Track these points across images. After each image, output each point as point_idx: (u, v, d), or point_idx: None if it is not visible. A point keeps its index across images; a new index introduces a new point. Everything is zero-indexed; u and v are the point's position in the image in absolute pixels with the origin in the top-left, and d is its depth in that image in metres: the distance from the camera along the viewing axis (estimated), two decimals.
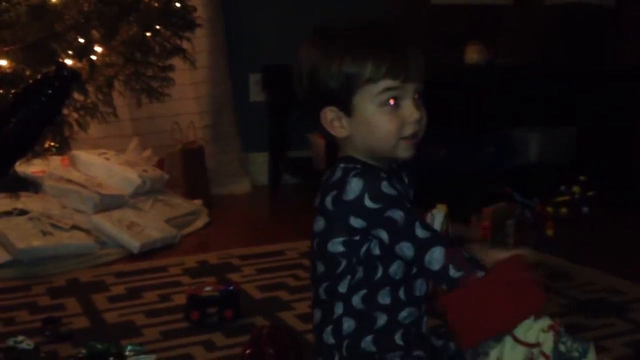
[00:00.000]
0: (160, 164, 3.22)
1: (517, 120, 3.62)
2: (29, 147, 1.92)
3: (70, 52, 2.16)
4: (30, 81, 1.83)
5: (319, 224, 1.34)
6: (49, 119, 1.86)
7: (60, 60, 2.12)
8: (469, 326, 1.23)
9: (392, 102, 1.30)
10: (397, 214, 1.27)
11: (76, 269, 2.43)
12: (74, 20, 2.15)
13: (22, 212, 2.57)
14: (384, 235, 1.28)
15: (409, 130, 1.33)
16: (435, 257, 1.25)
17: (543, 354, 1.21)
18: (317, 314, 1.38)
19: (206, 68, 3.40)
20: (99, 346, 1.69)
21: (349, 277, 1.33)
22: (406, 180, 1.45)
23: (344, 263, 1.32)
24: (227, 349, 1.81)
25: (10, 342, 1.75)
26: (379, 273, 1.32)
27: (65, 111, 2.19)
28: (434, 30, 3.62)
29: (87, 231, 2.60)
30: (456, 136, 3.29)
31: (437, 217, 2.19)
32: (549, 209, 2.61)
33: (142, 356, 1.69)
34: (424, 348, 1.38)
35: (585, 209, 2.60)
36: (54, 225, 2.55)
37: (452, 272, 1.24)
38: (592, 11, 3.77)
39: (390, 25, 1.36)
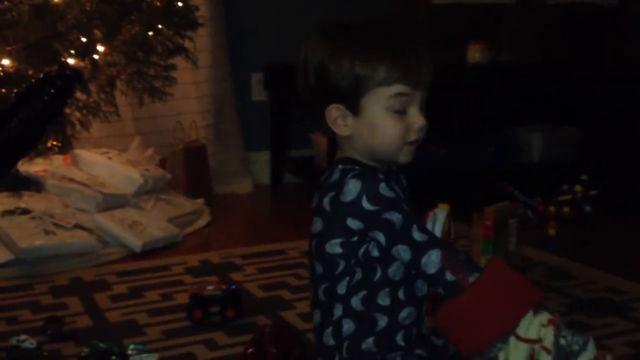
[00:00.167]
0: (162, 163, 3.22)
1: (518, 119, 3.62)
2: (32, 146, 1.93)
3: (72, 52, 2.17)
4: (33, 80, 1.83)
5: (317, 225, 1.34)
6: (52, 118, 1.86)
7: (63, 59, 2.12)
8: (472, 332, 1.23)
9: (400, 107, 1.30)
10: (395, 216, 1.27)
11: (78, 268, 2.43)
12: (76, 20, 2.15)
13: (25, 211, 2.58)
14: (380, 237, 1.28)
15: (412, 137, 1.33)
16: (432, 260, 1.25)
17: (544, 348, 1.21)
18: (317, 315, 1.38)
19: (208, 67, 3.40)
20: (101, 345, 1.70)
21: (347, 278, 1.32)
22: (404, 182, 1.45)
23: (342, 264, 1.32)
24: (229, 348, 1.81)
25: (13, 341, 1.75)
26: (378, 274, 1.32)
27: (67, 110, 2.20)
28: (435, 29, 3.62)
29: (89, 230, 2.61)
30: (458, 136, 3.29)
31: (439, 216, 2.19)
32: (551, 208, 2.61)
33: (144, 355, 1.69)
34: (425, 347, 1.38)
35: (587, 208, 2.60)
36: (56, 225, 2.55)
37: (449, 276, 1.24)
38: (594, 11, 3.77)
39: (403, 29, 1.35)
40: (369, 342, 1.33)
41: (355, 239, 1.30)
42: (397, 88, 1.29)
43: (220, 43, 3.47)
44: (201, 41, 3.11)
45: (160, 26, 2.40)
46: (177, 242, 2.75)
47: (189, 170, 3.23)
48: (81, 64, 2.19)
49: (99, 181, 2.82)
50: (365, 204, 1.27)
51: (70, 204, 2.71)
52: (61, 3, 2.15)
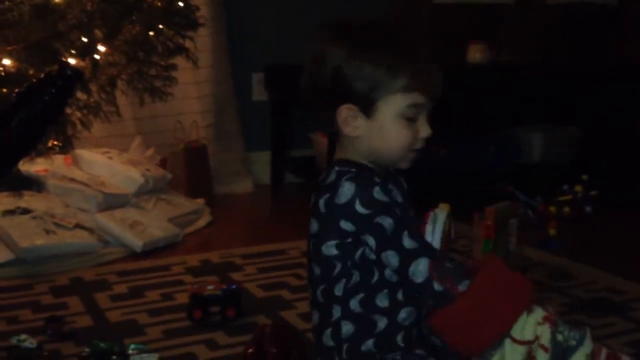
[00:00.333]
0: (163, 163, 3.22)
1: (519, 119, 3.62)
2: (32, 146, 1.93)
3: (73, 52, 2.17)
4: (34, 80, 1.84)
5: (313, 226, 1.35)
6: (52, 118, 1.86)
7: (64, 59, 2.12)
8: (468, 336, 1.23)
9: (412, 115, 1.30)
10: (386, 221, 1.26)
11: (79, 267, 2.43)
12: (77, 20, 2.15)
13: (25, 211, 2.58)
14: (371, 241, 1.28)
15: (418, 145, 1.33)
16: (420, 269, 1.24)
17: (542, 346, 1.22)
18: (316, 316, 1.38)
19: (209, 67, 3.40)
20: (101, 345, 1.70)
21: (344, 280, 1.32)
22: (405, 185, 1.45)
23: (338, 266, 1.32)
24: (229, 348, 1.82)
25: (14, 340, 1.75)
26: (376, 277, 1.31)
27: (68, 110, 2.20)
28: (435, 29, 3.62)
29: (90, 230, 2.61)
30: (458, 135, 3.29)
31: (440, 216, 2.18)
32: (552, 209, 2.61)
33: (144, 355, 1.69)
34: (425, 347, 1.38)
35: (588, 209, 2.60)
36: (57, 224, 2.55)
37: (436, 286, 1.23)
38: (594, 10, 3.76)
39: (419, 37, 1.35)
40: (368, 344, 1.33)
41: (349, 240, 1.30)
42: (415, 97, 1.29)
43: (221, 43, 3.47)
44: (202, 41, 3.12)
45: (161, 26, 2.40)
46: (177, 242, 2.75)
47: (189, 170, 3.24)
48: (82, 63, 2.19)
49: (100, 181, 2.82)
50: (358, 207, 1.27)
51: (71, 204, 2.72)
52: (62, 3, 2.15)
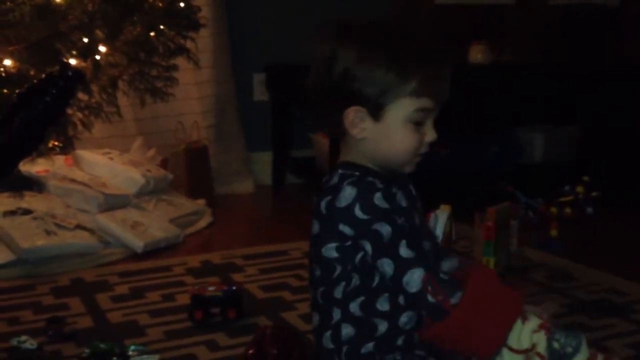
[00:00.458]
0: (163, 164, 3.22)
1: (520, 119, 3.62)
2: (33, 147, 1.93)
3: (74, 52, 2.17)
4: (35, 81, 1.84)
5: (315, 227, 1.34)
6: (53, 119, 1.86)
7: (65, 60, 2.12)
8: (465, 350, 1.23)
9: (420, 120, 1.30)
10: (384, 229, 1.25)
11: (80, 268, 2.43)
12: (78, 20, 2.15)
13: (26, 212, 2.58)
14: (368, 247, 1.27)
15: (423, 149, 1.33)
16: (414, 279, 1.24)
17: (538, 354, 1.22)
18: (316, 317, 1.38)
19: (210, 68, 3.40)
20: (102, 346, 1.70)
21: (343, 283, 1.32)
22: (413, 191, 1.43)
23: (338, 269, 1.31)
24: (230, 349, 1.81)
25: (14, 341, 1.75)
26: (376, 280, 1.30)
27: (69, 111, 2.20)
28: (436, 30, 3.62)
29: (91, 231, 2.61)
30: (459, 136, 3.28)
31: (441, 217, 2.20)
32: (553, 209, 2.61)
33: (145, 356, 1.69)
34: (425, 348, 1.37)
35: (589, 210, 2.60)
36: (57, 225, 2.55)
37: (430, 298, 1.23)
38: (594, 11, 3.77)
39: (429, 39, 1.34)
40: (368, 347, 1.32)
41: (348, 243, 1.30)
42: (424, 102, 1.29)
43: (222, 44, 3.47)
44: (203, 42, 3.12)
45: (162, 27, 2.41)
46: (178, 242, 2.75)
47: (190, 170, 3.24)
48: (83, 64, 2.20)
49: (101, 182, 2.82)
50: (358, 212, 1.26)
51: (72, 205, 2.71)
52: (63, 3, 2.15)
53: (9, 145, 1.76)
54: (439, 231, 2.18)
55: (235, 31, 3.56)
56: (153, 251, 2.61)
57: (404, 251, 1.25)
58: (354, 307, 1.32)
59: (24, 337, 1.76)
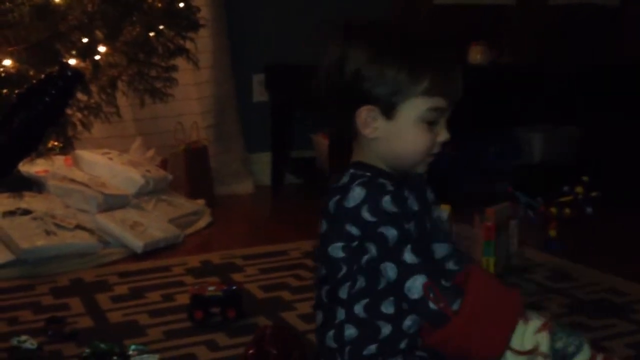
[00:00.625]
0: (163, 164, 3.23)
1: (519, 120, 3.62)
2: (33, 147, 1.93)
3: (73, 52, 2.17)
4: (34, 81, 1.84)
5: (323, 226, 1.34)
6: (53, 119, 1.86)
7: (64, 60, 2.12)
8: (469, 355, 1.23)
9: (433, 119, 1.29)
10: (390, 232, 1.25)
11: (80, 268, 2.43)
12: (77, 21, 2.16)
13: (26, 212, 2.58)
14: (373, 249, 1.27)
15: (435, 150, 1.33)
16: (416, 285, 1.23)
17: (542, 354, 1.21)
18: (319, 316, 1.38)
19: (209, 68, 3.40)
20: (102, 346, 1.70)
21: (348, 284, 1.31)
22: (431, 196, 1.42)
23: (344, 269, 1.31)
24: (230, 349, 1.81)
25: (14, 341, 1.75)
26: (382, 283, 1.30)
27: (68, 111, 2.20)
28: (435, 30, 3.62)
29: (90, 231, 2.61)
30: (459, 136, 3.28)
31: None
32: (553, 209, 2.61)
33: (145, 356, 1.69)
34: (426, 350, 1.37)
35: (588, 210, 2.60)
36: (57, 225, 2.55)
37: (431, 305, 1.23)
38: (594, 11, 3.77)
39: (440, 38, 1.34)
40: (371, 349, 1.32)
41: (355, 244, 1.29)
42: (437, 101, 1.28)
43: (221, 44, 3.47)
44: (202, 42, 3.12)
45: (161, 27, 2.41)
46: (178, 242, 2.75)
47: (190, 171, 3.24)
48: (82, 64, 2.20)
49: (100, 182, 2.82)
50: (365, 214, 1.26)
51: (71, 205, 2.71)
52: (62, 4, 2.15)
53: (8, 145, 1.76)
54: None
55: (234, 32, 3.56)
56: (153, 251, 2.61)
57: (409, 256, 1.25)
58: (359, 308, 1.32)
59: (24, 337, 1.76)
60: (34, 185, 2.75)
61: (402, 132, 1.30)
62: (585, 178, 2.62)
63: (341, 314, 1.33)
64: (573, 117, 3.64)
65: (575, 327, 1.90)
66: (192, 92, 3.40)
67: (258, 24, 3.65)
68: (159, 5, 2.37)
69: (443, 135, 1.32)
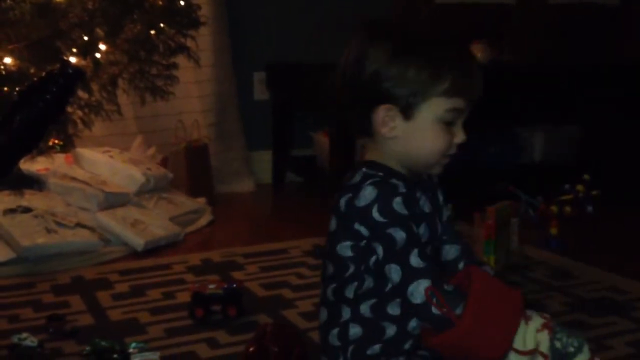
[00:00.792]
0: (164, 162, 3.23)
1: (520, 119, 3.62)
2: (34, 145, 1.93)
3: (74, 50, 2.17)
4: (35, 79, 1.84)
5: (332, 223, 1.33)
6: (54, 117, 1.86)
7: (65, 58, 2.12)
8: (473, 356, 1.23)
9: (451, 120, 1.30)
10: (399, 234, 1.25)
11: (80, 266, 2.43)
12: (78, 18, 2.16)
13: (27, 210, 2.58)
14: (379, 250, 1.27)
15: (452, 151, 1.33)
16: (419, 290, 1.23)
17: (541, 353, 1.22)
18: (324, 313, 1.37)
19: (210, 66, 3.40)
20: (103, 343, 1.70)
21: (355, 283, 1.31)
22: (441, 198, 1.42)
23: (352, 268, 1.31)
24: (230, 347, 1.81)
25: (15, 339, 1.75)
26: (389, 285, 1.29)
27: (69, 109, 2.20)
28: (437, 29, 3.62)
29: (91, 229, 2.61)
30: None
31: None
32: (553, 208, 2.61)
33: (145, 353, 1.69)
34: (429, 349, 1.37)
35: (589, 208, 2.60)
36: (58, 223, 2.55)
37: (434, 309, 1.22)
38: (595, 10, 3.77)
39: (458, 37, 1.34)
40: (375, 348, 1.32)
41: (363, 243, 1.29)
42: (456, 102, 1.28)
43: (222, 42, 3.47)
44: (203, 40, 3.12)
45: (162, 25, 2.41)
46: (178, 240, 2.75)
47: (190, 169, 3.24)
48: (83, 62, 2.20)
49: (101, 180, 2.82)
50: (375, 214, 1.25)
51: (72, 203, 2.72)
52: (63, 1, 2.15)
53: (9, 143, 1.76)
54: None
55: (235, 30, 3.56)
56: (153, 249, 2.61)
57: (415, 260, 1.24)
58: (365, 308, 1.32)
59: (24, 335, 1.76)
60: (35, 183, 2.75)
61: (420, 132, 1.29)
62: (586, 176, 2.62)
63: (346, 312, 1.33)
64: (573, 116, 3.64)
65: (575, 325, 1.91)
66: (193, 90, 3.40)
67: (259, 22, 3.65)
68: (160, 3, 2.37)
69: (460, 137, 1.32)
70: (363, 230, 1.28)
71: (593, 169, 2.79)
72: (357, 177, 1.31)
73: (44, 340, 1.80)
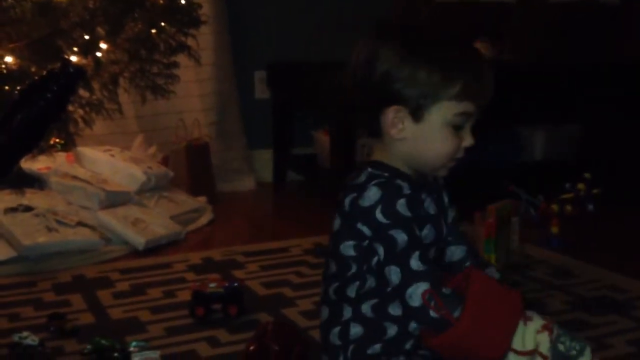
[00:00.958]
0: (165, 161, 3.23)
1: (521, 118, 3.62)
2: (35, 144, 1.93)
3: (75, 49, 2.17)
4: (36, 78, 1.84)
5: (336, 223, 1.33)
6: (55, 116, 1.86)
7: (66, 56, 2.12)
8: (472, 357, 1.23)
9: (460, 124, 1.29)
10: (401, 236, 1.25)
11: (81, 265, 2.44)
12: (79, 17, 2.16)
13: (28, 209, 2.58)
14: (380, 251, 1.27)
15: (459, 154, 1.32)
16: (418, 293, 1.23)
17: (541, 354, 1.22)
18: (325, 312, 1.37)
19: (211, 65, 3.40)
20: (103, 342, 1.70)
21: (357, 283, 1.31)
22: (446, 199, 1.42)
23: (354, 268, 1.31)
24: (231, 345, 1.82)
25: (16, 337, 1.75)
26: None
27: (70, 108, 2.20)
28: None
29: (92, 227, 2.61)
30: None
31: None
32: (554, 207, 2.61)
33: (146, 352, 1.69)
34: (429, 349, 1.37)
35: (590, 207, 2.60)
36: (59, 222, 2.55)
37: (432, 313, 1.22)
38: (595, 9, 3.76)
39: (469, 41, 1.34)
40: (375, 348, 1.32)
41: (366, 243, 1.29)
42: (466, 106, 1.28)
43: (223, 41, 3.47)
44: (204, 39, 3.12)
45: (163, 24, 2.41)
46: (179, 239, 2.75)
47: (191, 168, 3.24)
48: (84, 61, 2.20)
49: (102, 178, 2.82)
50: (378, 215, 1.26)
51: (73, 201, 2.72)
52: (64, 0, 2.15)
53: (10, 142, 1.76)
54: None
55: (236, 29, 3.56)
56: (154, 248, 2.61)
57: (415, 263, 1.24)
58: (366, 308, 1.32)
59: (25, 333, 1.76)
60: (36, 181, 2.75)
61: (429, 134, 1.29)
62: (587, 175, 2.62)
63: (348, 312, 1.33)
64: (574, 115, 3.63)
65: (576, 323, 1.91)
66: (194, 89, 3.40)
67: (260, 21, 3.65)
68: (161, 1, 2.37)
69: (468, 141, 1.32)
70: (366, 231, 1.28)
71: (594, 167, 2.79)
72: (363, 177, 1.31)
73: (44, 339, 1.80)
